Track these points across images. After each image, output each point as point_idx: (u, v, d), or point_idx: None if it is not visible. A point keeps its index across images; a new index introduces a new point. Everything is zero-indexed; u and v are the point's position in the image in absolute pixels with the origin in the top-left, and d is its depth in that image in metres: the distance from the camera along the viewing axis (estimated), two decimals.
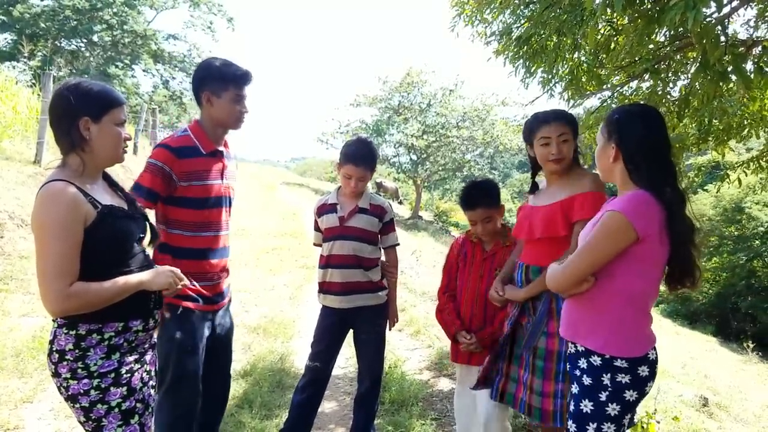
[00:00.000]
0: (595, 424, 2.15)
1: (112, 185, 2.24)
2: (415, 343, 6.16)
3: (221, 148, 2.90)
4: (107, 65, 29.77)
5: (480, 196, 3.21)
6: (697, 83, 3.24)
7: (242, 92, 2.83)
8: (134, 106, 25.00)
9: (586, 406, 2.17)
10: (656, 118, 2.24)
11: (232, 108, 2.81)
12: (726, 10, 3.15)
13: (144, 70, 32.65)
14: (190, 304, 2.77)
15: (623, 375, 2.12)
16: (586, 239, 2.19)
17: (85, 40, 30.08)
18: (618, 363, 2.13)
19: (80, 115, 2.02)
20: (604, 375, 2.15)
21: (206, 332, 2.88)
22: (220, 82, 2.77)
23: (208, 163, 2.83)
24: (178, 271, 2.27)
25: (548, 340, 2.68)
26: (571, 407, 2.26)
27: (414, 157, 25.50)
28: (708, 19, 2.60)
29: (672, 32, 3.42)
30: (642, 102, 4.53)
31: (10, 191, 7.42)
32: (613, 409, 2.13)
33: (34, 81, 12.57)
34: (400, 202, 31.29)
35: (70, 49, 29.56)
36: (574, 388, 2.25)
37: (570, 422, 2.26)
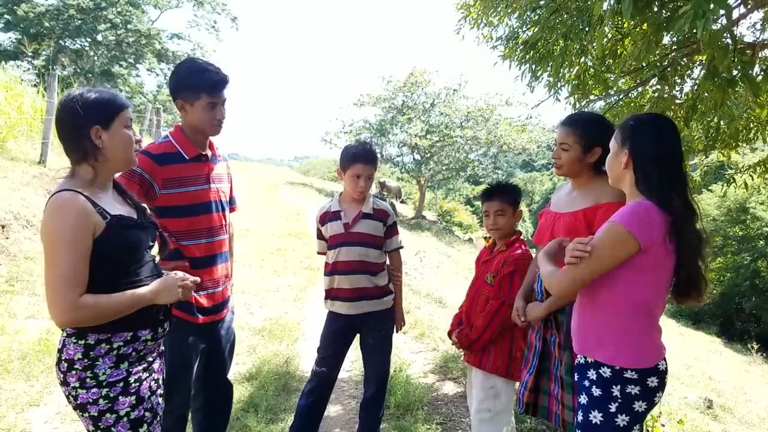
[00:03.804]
0: None
1: (122, 193, 2.24)
2: (420, 346, 6.15)
3: (206, 152, 2.85)
4: (111, 64, 29.86)
5: (499, 189, 3.34)
6: (704, 91, 3.23)
7: (216, 99, 2.74)
8: (138, 106, 25.06)
9: (596, 417, 2.17)
10: (670, 127, 2.22)
11: (206, 115, 2.74)
12: (734, 15, 3.14)
13: (148, 70, 32.79)
14: (189, 318, 2.76)
15: (633, 386, 2.12)
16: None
17: (89, 40, 30.19)
18: (628, 374, 2.13)
19: (90, 124, 2.01)
20: (614, 386, 2.14)
21: (201, 344, 2.86)
22: (191, 90, 2.71)
23: (193, 169, 2.78)
24: (182, 275, 2.24)
25: (573, 355, 2.64)
26: (579, 417, 2.25)
27: (417, 157, 25.54)
28: (716, 27, 2.58)
29: (679, 37, 3.42)
30: (648, 106, 4.51)
31: (16, 192, 7.43)
32: (622, 420, 2.13)
33: (38, 80, 12.59)
34: (403, 202, 31.31)
35: (74, 49, 29.69)
36: (582, 399, 2.24)
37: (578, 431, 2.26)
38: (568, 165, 2.71)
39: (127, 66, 31.56)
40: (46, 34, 28.12)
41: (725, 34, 2.51)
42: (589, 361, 2.23)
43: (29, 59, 26.28)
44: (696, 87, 3.85)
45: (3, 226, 6.59)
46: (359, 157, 3.33)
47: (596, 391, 2.18)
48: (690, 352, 13.30)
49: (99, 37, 29.93)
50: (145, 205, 2.35)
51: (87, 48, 30.44)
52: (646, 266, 2.09)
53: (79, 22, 28.78)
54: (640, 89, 4.72)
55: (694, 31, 2.28)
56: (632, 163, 2.16)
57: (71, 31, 28.98)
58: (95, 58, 30.01)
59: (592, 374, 2.21)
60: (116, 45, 30.46)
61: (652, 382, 2.14)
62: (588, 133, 2.67)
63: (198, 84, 2.70)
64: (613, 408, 2.13)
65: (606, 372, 2.16)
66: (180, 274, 2.23)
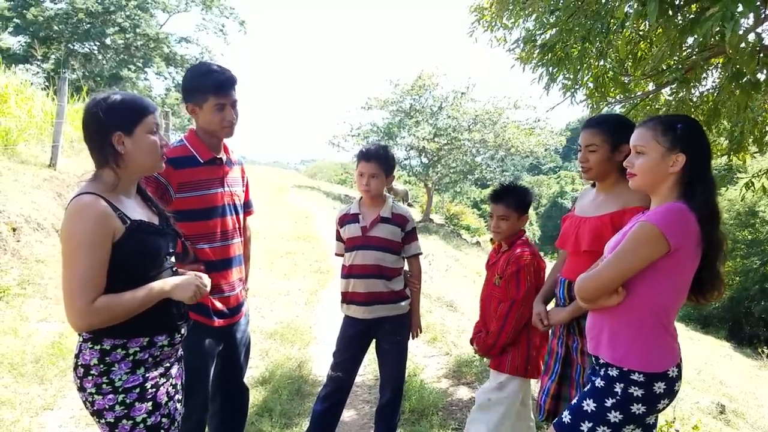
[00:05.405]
0: (590, 424, 2.15)
1: (146, 199, 2.22)
2: (432, 351, 6.11)
3: (220, 156, 2.85)
4: (120, 68, 29.95)
5: (505, 193, 3.29)
6: (726, 93, 3.18)
7: (224, 100, 2.72)
8: None
9: (589, 405, 2.17)
10: None
11: (215, 118, 2.73)
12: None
13: (156, 73, 32.84)
14: (206, 321, 2.75)
15: (636, 388, 2.11)
16: (615, 249, 2.15)
17: (98, 43, 30.29)
18: (634, 376, 2.12)
19: (112, 130, 2.00)
20: (617, 384, 2.14)
21: (217, 348, 2.85)
22: (199, 93, 2.71)
23: (207, 172, 2.78)
24: (204, 277, 2.23)
25: None
26: (574, 400, 2.27)
27: (425, 160, 25.48)
28: (741, 30, 2.55)
29: (701, 40, 3.38)
30: (663, 109, 4.48)
31: (26, 195, 7.44)
32: (614, 416, 2.12)
33: (47, 84, 12.61)
34: (410, 205, 31.26)
35: (83, 52, 29.78)
36: (586, 388, 2.26)
37: (566, 412, 2.25)
38: (597, 166, 2.69)
39: (136, 69, 31.59)
40: (56, 37, 28.23)
41: (752, 37, 2.47)
42: (601, 362, 2.23)
43: (39, 63, 26.35)
44: (717, 90, 3.81)
45: (14, 229, 6.60)
46: (362, 155, 3.36)
47: (599, 383, 2.19)
48: (700, 356, 13.23)
49: (108, 41, 29.99)
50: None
51: (96, 51, 30.52)
52: (670, 270, 2.08)
53: (88, 25, 28.87)
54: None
55: (718, 33, 2.26)
56: (687, 167, 2.11)
57: (80, 35, 29.08)
58: (104, 61, 30.08)
59: (601, 370, 2.22)
60: (125, 49, 30.53)
61: (659, 387, 2.12)
62: (614, 131, 2.65)
63: (204, 86, 2.71)
64: (608, 403, 2.13)
65: (613, 371, 2.16)
66: (204, 278, 2.21)
